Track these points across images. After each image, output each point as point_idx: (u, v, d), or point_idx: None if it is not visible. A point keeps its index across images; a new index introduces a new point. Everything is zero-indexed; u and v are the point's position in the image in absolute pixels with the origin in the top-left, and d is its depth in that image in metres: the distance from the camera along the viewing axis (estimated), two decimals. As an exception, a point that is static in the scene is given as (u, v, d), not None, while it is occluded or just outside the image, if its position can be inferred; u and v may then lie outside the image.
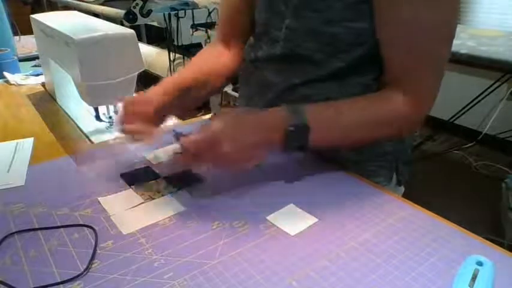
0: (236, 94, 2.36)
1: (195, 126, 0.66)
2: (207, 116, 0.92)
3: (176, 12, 2.30)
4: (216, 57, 0.81)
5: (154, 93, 0.67)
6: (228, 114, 0.58)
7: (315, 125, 0.56)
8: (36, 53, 1.46)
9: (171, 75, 2.60)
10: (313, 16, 0.61)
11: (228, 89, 2.47)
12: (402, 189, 0.79)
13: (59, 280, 0.45)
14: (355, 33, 0.60)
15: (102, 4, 2.97)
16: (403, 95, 0.59)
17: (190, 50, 2.71)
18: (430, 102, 0.60)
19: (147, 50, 2.83)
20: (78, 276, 0.45)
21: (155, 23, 2.50)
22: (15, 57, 1.32)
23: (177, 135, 0.64)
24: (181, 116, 0.87)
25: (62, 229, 0.53)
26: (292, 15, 0.64)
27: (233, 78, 0.84)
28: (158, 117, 0.67)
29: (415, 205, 0.58)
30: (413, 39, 0.56)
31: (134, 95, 0.81)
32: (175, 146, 0.76)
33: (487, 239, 0.51)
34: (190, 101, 0.76)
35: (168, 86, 0.70)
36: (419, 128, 0.65)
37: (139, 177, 0.65)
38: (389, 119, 0.61)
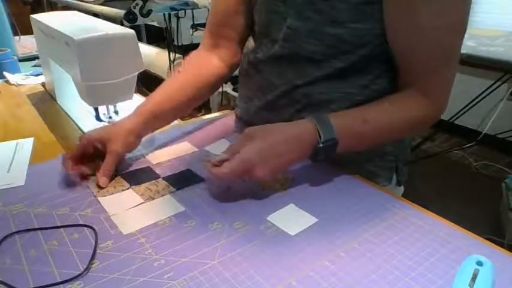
0: (236, 94, 2.36)
1: (223, 144, 0.64)
2: (208, 116, 0.92)
3: (176, 12, 2.30)
4: (201, 67, 0.78)
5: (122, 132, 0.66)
6: (256, 134, 0.58)
7: (343, 137, 0.58)
8: (36, 53, 1.46)
9: (171, 75, 2.60)
10: (316, 17, 0.61)
11: (228, 89, 2.47)
12: (402, 189, 0.79)
13: (59, 280, 0.45)
14: (358, 35, 0.60)
15: (102, 4, 2.96)
16: (423, 95, 0.60)
17: (190, 50, 2.71)
18: (448, 99, 0.62)
19: (147, 50, 2.83)
20: (78, 276, 0.45)
21: (155, 23, 2.49)
22: (15, 57, 1.32)
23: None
24: (182, 117, 0.87)
25: (62, 229, 0.53)
26: (294, 16, 0.63)
27: (228, 81, 0.83)
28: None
29: (415, 205, 0.58)
30: (432, 42, 0.57)
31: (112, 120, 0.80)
32: (174, 147, 0.76)
33: (487, 239, 0.51)
34: (170, 119, 0.76)
35: (139, 121, 0.68)
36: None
37: (139, 177, 0.65)
38: (414, 122, 0.62)
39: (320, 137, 0.57)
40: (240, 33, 0.79)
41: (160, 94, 0.73)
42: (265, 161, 0.56)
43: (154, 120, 0.70)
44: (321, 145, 0.57)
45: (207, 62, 0.79)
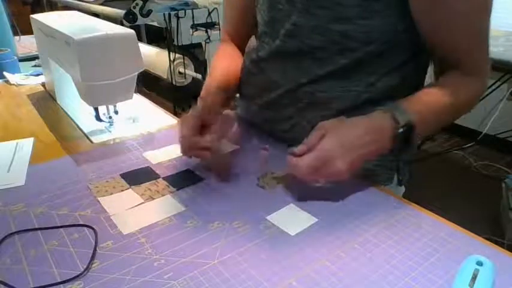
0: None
1: (223, 144, 0.68)
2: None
3: (176, 12, 2.30)
4: (236, 60, 0.82)
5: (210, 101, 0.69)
6: (334, 127, 0.57)
7: (418, 121, 0.58)
8: (36, 53, 1.46)
9: (171, 75, 2.61)
10: (322, 13, 0.60)
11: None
12: (402, 189, 0.79)
13: (59, 280, 0.45)
14: (365, 31, 0.59)
15: (102, 4, 2.97)
16: (468, 75, 0.61)
17: (190, 50, 2.71)
18: (489, 71, 0.63)
19: (147, 50, 2.83)
20: (78, 276, 0.45)
21: (155, 23, 2.49)
22: (15, 57, 1.32)
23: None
24: None
25: (62, 229, 0.53)
26: (299, 12, 0.63)
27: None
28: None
29: (415, 205, 0.58)
30: (470, 24, 0.57)
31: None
32: (174, 147, 0.76)
33: (487, 239, 0.51)
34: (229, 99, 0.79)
35: (213, 88, 0.72)
36: None
37: (139, 177, 0.65)
38: (469, 100, 0.63)
39: (398, 122, 0.56)
40: (252, 29, 0.81)
41: (220, 74, 0.76)
42: (346, 153, 0.54)
43: (223, 88, 0.73)
44: (400, 130, 0.56)
45: (237, 57, 0.82)
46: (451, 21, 0.57)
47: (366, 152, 0.56)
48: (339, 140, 0.55)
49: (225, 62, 0.81)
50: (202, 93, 0.72)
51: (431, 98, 0.61)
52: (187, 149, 0.64)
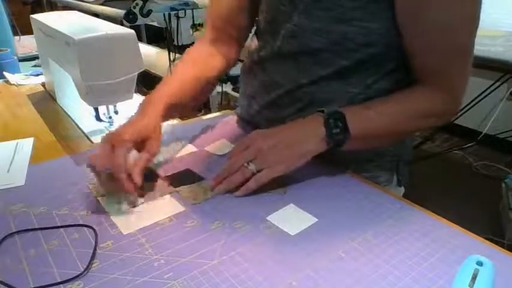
0: (236, 94, 2.36)
1: (223, 144, 0.71)
2: (208, 116, 0.92)
3: (176, 12, 2.30)
4: (206, 62, 0.76)
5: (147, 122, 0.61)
6: (258, 135, 0.62)
7: (350, 114, 0.59)
8: (36, 53, 1.46)
9: (171, 75, 2.60)
10: (323, 15, 0.61)
11: (228, 89, 2.47)
12: (402, 189, 0.79)
13: (59, 280, 0.45)
14: (365, 33, 0.59)
15: (102, 4, 2.96)
16: (439, 91, 0.61)
17: (190, 50, 2.70)
18: (463, 91, 0.62)
19: (147, 50, 2.83)
20: (78, 276, 0.45)
21: (155, 23, 2.49)
22: (15, 57, 1.32)
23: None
24: (181, 117, 0.87)
25: (62, 229, 0.53)
26: (301, 13, 0.63)
27: (227, 80, 0.83)
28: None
29: (415, 205, 0.58)
30: (447, 38, 0.57)
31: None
32: (175, 145, 0.76)
33: (487, 239, 0.51)
34: (182, 110, 0.73)
35: (160, 106, 0.64)
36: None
37: (139, 177, 0.65)
38: (423, 114, 0.62)
39: (323, 111, 0.60)
40: (241, 31, 0.78)
41: (174, 87, 0.69)
42: (269, 135, 0.60)
43: (169, 113, 0.66)
44: (326, 116, 0.58)
45: (211, 57, 0.77)
46: (430, 35, 0.57)
47: (293, 139, 0.60)
48: (261, 130, 0.62)
49: (190, 72, 0.73)
50: (154, 97, 0.65)
51: (376, 101, 0.62)
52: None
